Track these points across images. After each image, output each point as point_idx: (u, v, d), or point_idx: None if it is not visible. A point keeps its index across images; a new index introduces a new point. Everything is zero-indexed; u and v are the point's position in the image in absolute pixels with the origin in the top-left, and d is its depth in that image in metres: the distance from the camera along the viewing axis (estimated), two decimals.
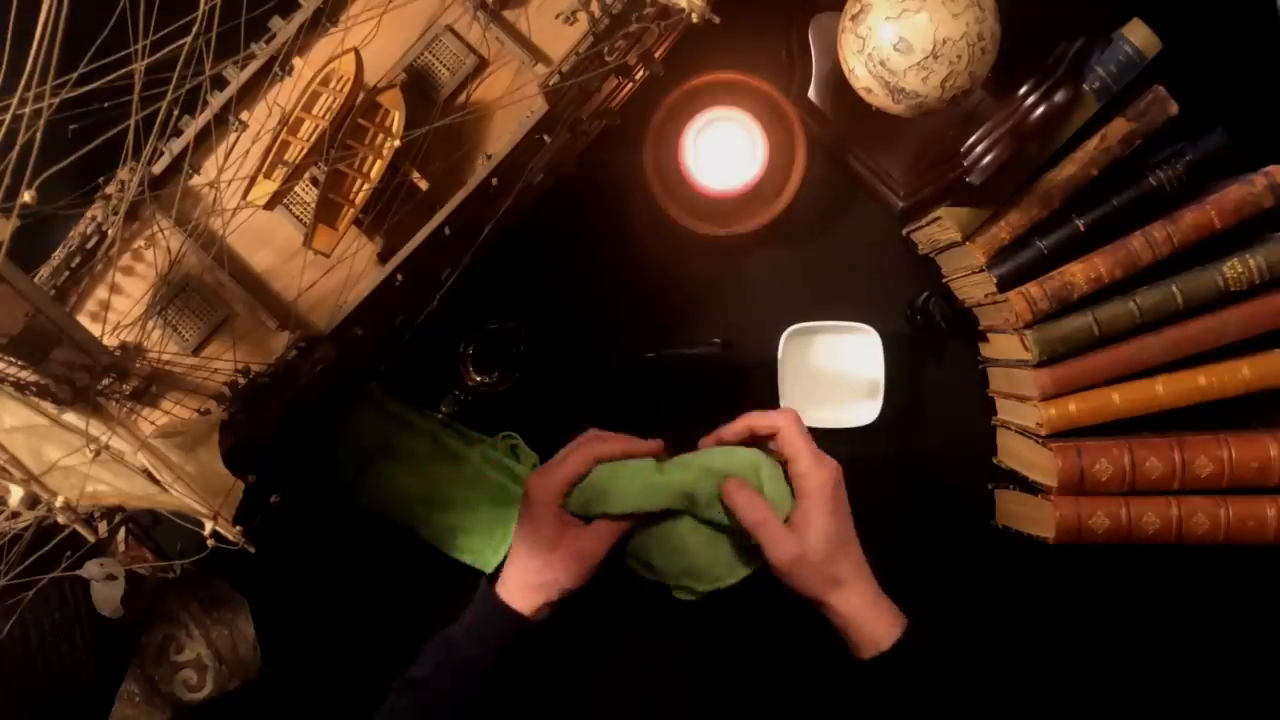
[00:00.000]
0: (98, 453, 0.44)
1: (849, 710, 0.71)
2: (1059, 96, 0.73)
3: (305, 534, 0.80)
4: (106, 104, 0.47)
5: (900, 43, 0.65)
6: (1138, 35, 0.76)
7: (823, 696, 0.80)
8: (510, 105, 0.62)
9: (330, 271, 0.62)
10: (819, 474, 0.67)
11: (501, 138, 0.62)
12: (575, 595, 0.70)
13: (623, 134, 0.78)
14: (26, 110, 0.39)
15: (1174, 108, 0.76)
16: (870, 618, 0.67)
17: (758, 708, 0.82)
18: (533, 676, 0.72)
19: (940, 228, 0.78)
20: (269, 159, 0.59)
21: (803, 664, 0.79)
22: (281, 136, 0.59)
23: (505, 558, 0.75)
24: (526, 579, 0.70)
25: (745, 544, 0.69)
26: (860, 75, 0.69)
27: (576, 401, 0.83)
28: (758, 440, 0.73)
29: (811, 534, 0.66)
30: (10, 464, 0.42)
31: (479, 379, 0.80)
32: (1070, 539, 0.75)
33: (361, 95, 0.59)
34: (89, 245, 0.60)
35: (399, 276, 0.62)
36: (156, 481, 0.47)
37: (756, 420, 0.71)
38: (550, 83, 0.60)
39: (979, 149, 0.75)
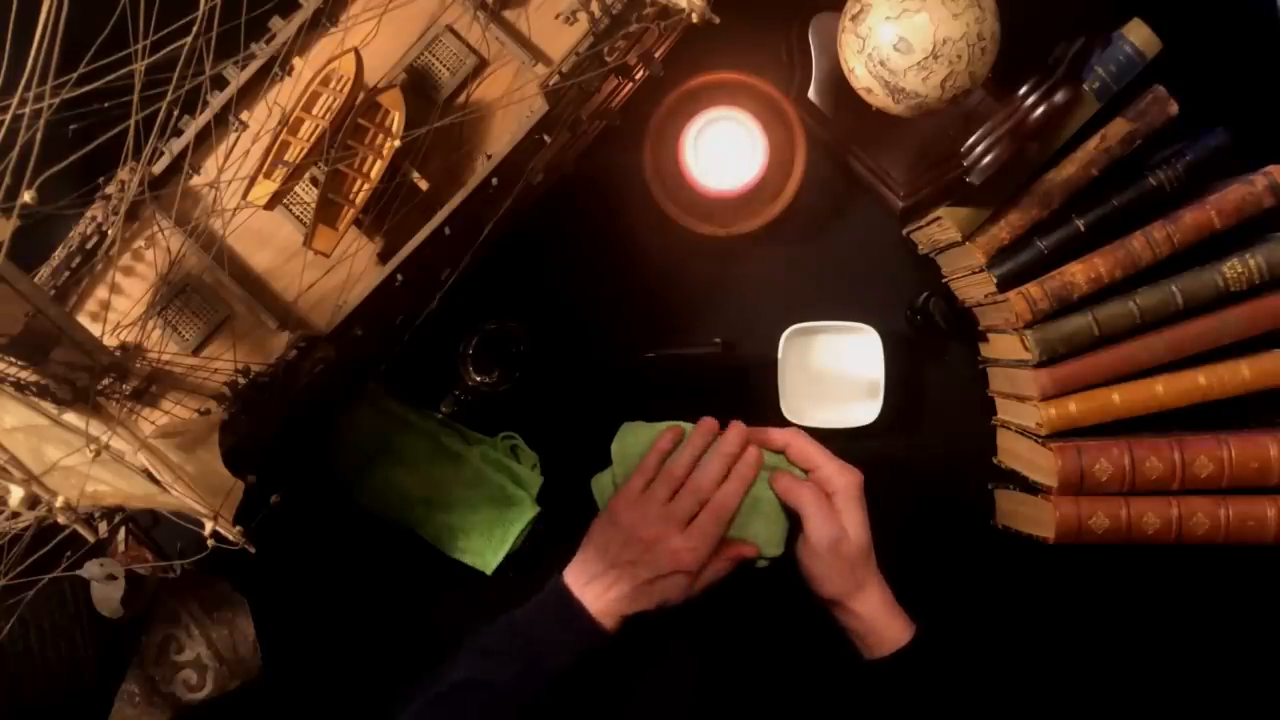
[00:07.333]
0: (98, 453, 0.44)
1: (858, 711, 0.72)
2: (1059, 96, 0.73)
3: (305, 534, 0.80)
4: (106, 104, 0.47)
5: (900, 43, 0.65)
6: (1138, 35, 0.76)
7: (827, 700, 0.80)
8: (510, 105, 0.62)
9: (330, 271, 0.62)
10: (846, 475, 0.72)
11: (501, 138, 0.62)
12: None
13: (623, 134, 0.78)
14: (26, 110, 0.39)
15: (1174, 108, 0.76)
16: (886, 622, 0.70)
17: (764, 709, 0.82)
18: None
19: (940, 228, 0.78)
20: (269, 159, 0.59)
21: (808, 667, 0.79)
22: (281, 136, 0.59)
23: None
24: (622, 587, 0.70)
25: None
26: (860, 75, 0.69)
27: (576, 401, 0.83)
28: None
29: (849, 526, 0.69)
30: (10, 464, 0.42)
31: (479, 379, 0.80)
32: (1070, 539, 0.75)
33: (361, 95, 0.59)
34: (89, 245, 0.60)
35: (399, 276, 0.62)
36: (156, 481, 0.47)
37: (760, 436, 0.75)
38: (550, 83, 0.60)
39: (979, 149, 0.75)
